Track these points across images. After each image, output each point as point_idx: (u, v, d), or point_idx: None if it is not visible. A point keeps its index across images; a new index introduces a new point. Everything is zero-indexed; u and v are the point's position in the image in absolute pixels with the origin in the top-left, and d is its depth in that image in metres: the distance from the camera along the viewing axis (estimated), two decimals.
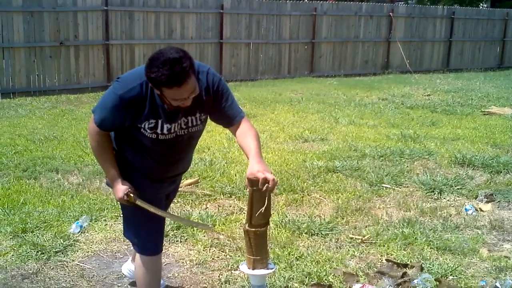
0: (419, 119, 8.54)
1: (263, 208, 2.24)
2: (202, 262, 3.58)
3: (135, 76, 2.39)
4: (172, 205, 4.42)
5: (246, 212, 2.37)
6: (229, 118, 2.52)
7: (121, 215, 2.93)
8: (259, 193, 2.23)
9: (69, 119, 7.90)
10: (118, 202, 2.70)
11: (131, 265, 3.22)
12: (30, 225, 3.99)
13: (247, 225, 2.31)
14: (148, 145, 2.53)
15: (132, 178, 2.60)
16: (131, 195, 2.55)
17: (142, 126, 2.44)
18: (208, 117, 2.60)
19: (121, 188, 2.55)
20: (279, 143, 6.73)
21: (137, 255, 2.78)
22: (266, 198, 2.23)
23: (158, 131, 2.45)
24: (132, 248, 3.25)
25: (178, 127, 2.49)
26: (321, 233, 4.02)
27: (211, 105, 2.50)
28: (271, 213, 2.36)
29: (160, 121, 2.43)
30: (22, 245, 3.71)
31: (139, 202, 2.56)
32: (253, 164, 2.26)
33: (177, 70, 2.18)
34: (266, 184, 2.19)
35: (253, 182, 2.23)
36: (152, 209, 2.55)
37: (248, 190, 2.27)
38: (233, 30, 12.77)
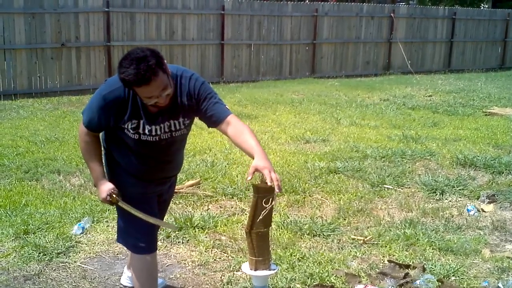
0: (421, 119, 8.54)
1: (265, 214, 2.24)
2: (204, 263, 3.58)
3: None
4: (174, 206, 4.44)
5: (248, 217, 2.37)
6: (215, 116, 2.50)
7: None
8: (263, 200, 2.22)
9: (70, 121, 7.90)
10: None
11: (128, 273, 3.23)
12: (32, 227, 3.99)
13: (248, 228, 2.32)
14: (132, 145, 2.57)
15: (119, 177, 2.65)
16: (114, 195, 2.58)
17: (126, 126, 2.49)
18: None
19: (105, 189, 2.59)
20: (280, 144, 6.73)
21: (133, 256, 2.81)
22: (269, 205, 2.23)
23: (140, 131, 2.50)
24: (127, 258, 3.26)
25: (161, 131, 2.53)
26: (323, 234, 4.02)
27: (195, 108, 2.52)
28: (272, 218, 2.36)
29: (141, 122, 2.48)
30: (24, 246, 3.71)
31: (121, 204, 2.60)
32: (259, 159, 2.24)
33: (143, 68, 2.25)
34: (273, 194, 2.19)
35: (259, 189, 2.21)
36: (133, 211, 2.59)
37: (253, 195, 2.26)
38: (234, 31, 12.76)
